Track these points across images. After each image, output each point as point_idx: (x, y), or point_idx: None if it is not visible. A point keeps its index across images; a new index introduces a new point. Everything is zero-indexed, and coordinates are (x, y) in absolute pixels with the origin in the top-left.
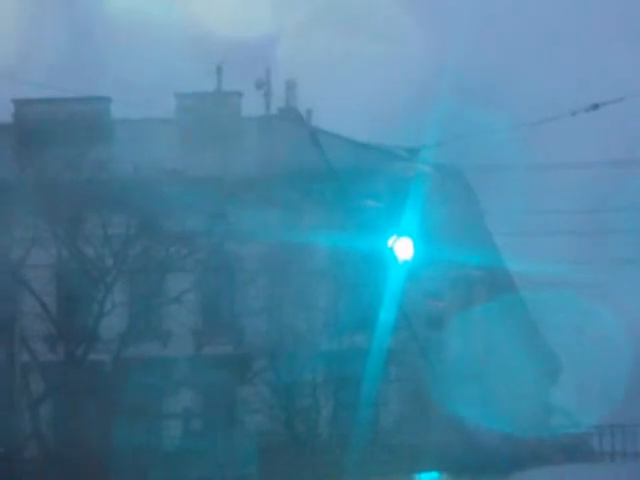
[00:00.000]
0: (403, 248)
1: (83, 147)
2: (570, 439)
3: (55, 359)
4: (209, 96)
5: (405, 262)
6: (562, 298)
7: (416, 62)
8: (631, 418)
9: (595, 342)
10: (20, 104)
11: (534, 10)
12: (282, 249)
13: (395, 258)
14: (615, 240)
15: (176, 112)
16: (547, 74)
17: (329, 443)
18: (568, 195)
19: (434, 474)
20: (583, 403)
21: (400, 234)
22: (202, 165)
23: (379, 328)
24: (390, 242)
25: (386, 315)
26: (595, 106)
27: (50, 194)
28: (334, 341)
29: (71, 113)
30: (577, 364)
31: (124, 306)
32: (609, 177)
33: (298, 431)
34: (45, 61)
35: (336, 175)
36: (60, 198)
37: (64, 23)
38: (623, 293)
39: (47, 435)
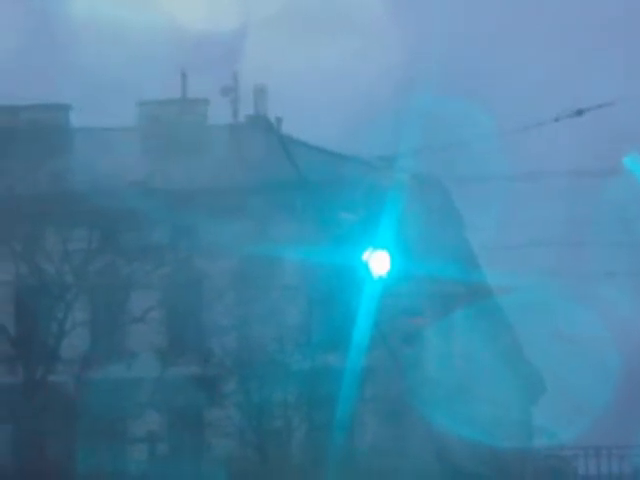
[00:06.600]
0: (379, 262)
1: (41, 158)
2: (554, 460)
3: (14, 381)
4: (174, 103)
5: (381, 277)
6: (545, 312)
7: (394, 65)
8: (618, 439)
9: (581, 359)
10: None
11: (516, 13)
12: (252, 264)
13: (370, 273)
14: (597, 252)
15: (139, 120)
16: (531, 78)
17: (302, 466)
18: (551, 205)
19: None
20: (568, 422)
21: (376, 247)
22: (167, 176)
23: (354, 346)
24: (365, 256)
25: (361, 332)
26: (580, 112)
27: (7, 208)
28: (307, 360)
29: (27, 122)
30: (562, 382)
31: (86, 325)
32: (592, 186)
33: (270, 455)
34: None
35: (308, 186)
36: (17, 212)
37: (19, 27)
38: (607, 307)
39: (6, 460)
